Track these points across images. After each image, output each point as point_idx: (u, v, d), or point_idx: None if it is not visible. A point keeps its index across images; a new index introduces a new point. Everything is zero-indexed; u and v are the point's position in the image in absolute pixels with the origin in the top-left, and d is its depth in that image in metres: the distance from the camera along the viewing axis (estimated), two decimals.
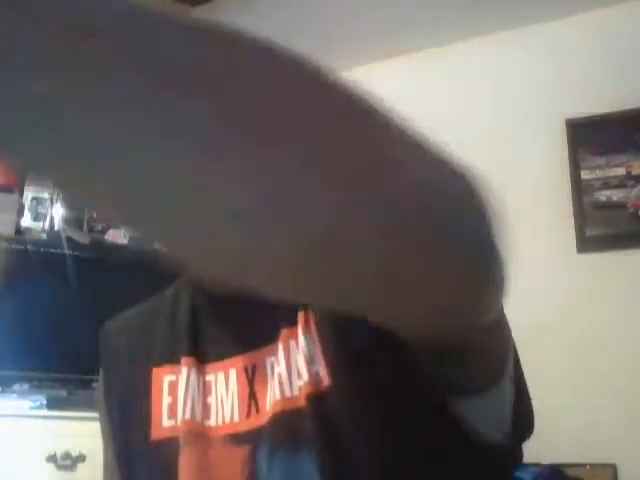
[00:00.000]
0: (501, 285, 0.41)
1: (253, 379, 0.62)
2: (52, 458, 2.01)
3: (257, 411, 0.61)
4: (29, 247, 2.35)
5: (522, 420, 0.56)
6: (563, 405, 2.22)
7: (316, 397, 0.57)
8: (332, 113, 0.28)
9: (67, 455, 2.02)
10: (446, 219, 0.33)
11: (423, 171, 0.32)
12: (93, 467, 1.93)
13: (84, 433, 1.97)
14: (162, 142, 0.24)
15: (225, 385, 0.64)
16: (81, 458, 2.01)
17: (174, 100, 0.23)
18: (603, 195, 2.38)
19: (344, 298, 0.35)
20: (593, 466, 2.18)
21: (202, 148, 0.24)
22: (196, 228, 0.27)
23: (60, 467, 2.02)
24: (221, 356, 0.65)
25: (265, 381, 0.62)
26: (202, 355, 0.66)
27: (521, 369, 0.56)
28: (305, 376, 0.58)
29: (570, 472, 2.12)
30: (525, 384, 0.57)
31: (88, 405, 1.98)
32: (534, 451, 0.61)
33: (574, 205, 2.40)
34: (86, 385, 2.15)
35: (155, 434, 0.66)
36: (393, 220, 0.30)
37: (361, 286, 0.33)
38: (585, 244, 2.37)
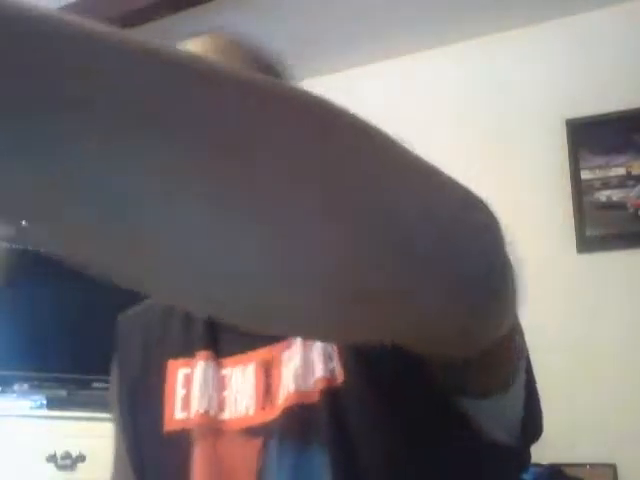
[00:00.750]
0: (515, 302, 0.41)
1: (269, 373, 0.63)
2: (52, 458, 2.01)
3: (271, 404, 0.62)
4: (29, 247, 2.35)
5: (531, 424, 0.56)
6: (563, 405, 2.22)
7: (330, 392, 0.58)
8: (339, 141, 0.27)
9: (67, 455, 2.01)
10: (458, 242, 0.33)
11: (432, 197, 0.32)
12: (93, 467, 1.93)
13: (84, 433, 1.97)
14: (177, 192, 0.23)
15: (242, 379, 0.64)
16: (81, 458, 2.01)
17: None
18: (603, 195, 2.38)
19: (357, 336, 0.36)
20: (593, 466, 2.18)
21: (217, 197, 0.23)
22: (211, 285, 0.26)
23: (60, 467, 2.01)
24: (238, 350, 0.65)
25: (281, 375, 0.62)
26: (218, 349, 0.66)
27: (533, 375, 0.56)
28: (321, 371, 0.59)
29: (570, 472, 2.12)
30: (536, 390, 0.57)
31: (88, 405, 1.98)
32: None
33: (574, 205, 2.40)
34: (86, 385, 2.14)
35: (168, 426, 0.66)
36: (405, 251, 0.29)
37: (378, 325, 0.33)
38: (585, 244, 2.37)
